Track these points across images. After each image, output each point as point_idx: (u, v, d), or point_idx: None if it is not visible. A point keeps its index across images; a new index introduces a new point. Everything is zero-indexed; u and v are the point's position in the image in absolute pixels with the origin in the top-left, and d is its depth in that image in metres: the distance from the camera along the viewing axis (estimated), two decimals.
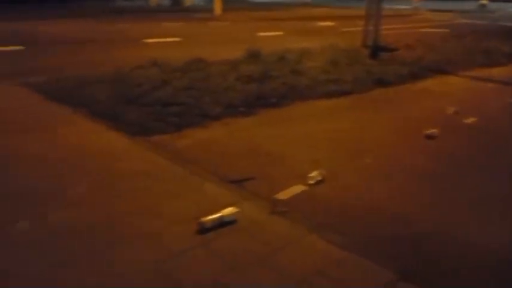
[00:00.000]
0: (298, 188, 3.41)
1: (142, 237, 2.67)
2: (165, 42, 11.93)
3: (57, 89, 5.79)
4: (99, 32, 13.83)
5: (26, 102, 5.40)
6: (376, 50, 9.40)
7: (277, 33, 14.37)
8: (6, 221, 2.78)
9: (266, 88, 6.19)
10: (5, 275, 2.29)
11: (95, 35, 13.06)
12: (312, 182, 3.48)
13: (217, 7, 23.12)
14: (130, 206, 3.04)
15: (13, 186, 3.28)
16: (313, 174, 3.54)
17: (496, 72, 8.81)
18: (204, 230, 2.78)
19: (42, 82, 6.14)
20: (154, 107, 5.14)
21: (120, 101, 5.31)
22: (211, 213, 2.87)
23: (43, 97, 5.58)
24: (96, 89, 5.74)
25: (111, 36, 12.81)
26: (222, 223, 2.85)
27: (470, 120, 5.40)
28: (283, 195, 3.30)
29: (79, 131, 4.48)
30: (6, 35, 12.11)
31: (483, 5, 37.55)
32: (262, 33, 13.98)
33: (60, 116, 4.95)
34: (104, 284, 2.24)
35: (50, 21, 16.51)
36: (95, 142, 4.22)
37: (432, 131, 4.79)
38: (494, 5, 38.22)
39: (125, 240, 2.64)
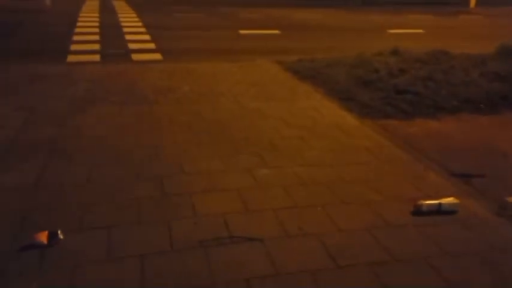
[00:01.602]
0: None
1: (363, 204, 2.90)
2: (408, 33, 11.72)
3: (302, 68, 6.47)
4: (347, 21, 14.53)
5: (276, 76, 6.25)
6: None
7: None
8: (247, 166, 3.40)
9: None
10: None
11: (343, 23, 13.82)
12: None
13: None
14: (353, 176, 3.29)
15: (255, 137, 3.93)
16: None
17: None
18: (419, 212, 2.83)
19: (291, 61, 6.94)
20: (388, 93, 5.24)
21: (356, 84, 5.62)
22: (429, 199, 2.89)
23: (290, 74, 6.35)
24: (337, 71, 6.19)
25: (357, 25, 13.33)
26: (439, 211, 2.84)
27: None
28: None
29: (315, 105, 4.97)
30: (267, 20, 13.93)
31: None
32: None
33: (301, 91, 5.56)
34: (325, 233, 2.57)
35: (304, 9, 18.13)
36: (327, 116, 4.63)
37: None
38: None
39: (345, 202, 2.91)
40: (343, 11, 18.05)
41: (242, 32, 11.18)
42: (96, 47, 8.38)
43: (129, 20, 12.34)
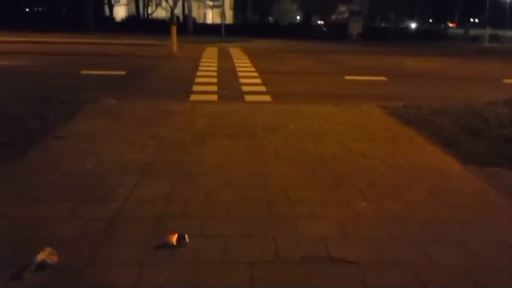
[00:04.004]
0: None
1: (459, 244, 3.00)
2: None
3: (406, 114, 6.59)
4: (460, 70, 14.23)
5: (379, 120, 6.46)
6: None
7: None
8: (347, 199, 3.66)
9: None
10: None
11: (456, 72, 13.58)
12: None
13: None
14: (450, 217, 3.39)
15: (348, 174, 4.18)
16: None
17: None
18: None
19: (396, 107, 7.10)
20: (496, 143, 5.15)
21: (462, 132, 5.59)
22: None
23: (394, 119, 6.51)
24: (443, 118, 6.21)
25: (471, 74, 13.01)
26: None
27: None
28: None
29: (417, 149, 5.07)
30: (375, 67, 14.17)
31: None
32: None
33: (403, 135, 5.69)
34: (419, 265, 2.74)
35: (416, 57, 18.04)
36: (428, 160, 4.72)
37: None
38: None
39: (441, 240, 3.04)
40: (457, 60, 17.64)
41: (348, 77, 11.57)
42: (214, 88, 9.37)
43: (243, 65, 13.48)
